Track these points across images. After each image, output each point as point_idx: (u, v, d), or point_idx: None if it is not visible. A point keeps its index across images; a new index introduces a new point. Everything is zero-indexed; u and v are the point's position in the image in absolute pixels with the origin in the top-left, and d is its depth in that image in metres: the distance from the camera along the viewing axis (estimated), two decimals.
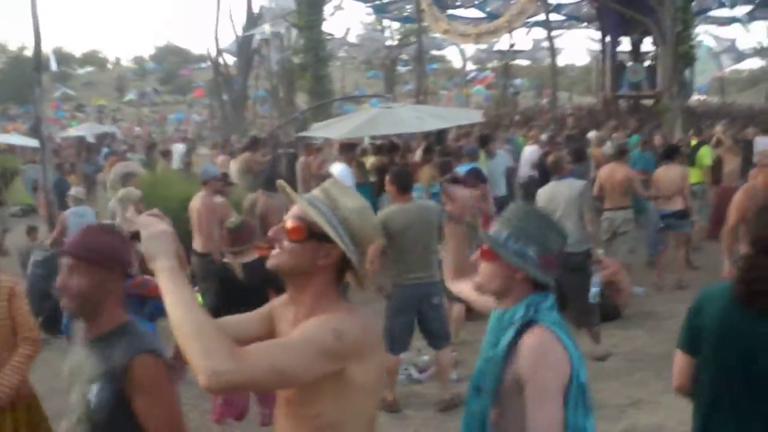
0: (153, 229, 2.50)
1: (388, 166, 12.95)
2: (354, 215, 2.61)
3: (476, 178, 10.09)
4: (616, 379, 8.07)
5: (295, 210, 2.67)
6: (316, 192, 2.67)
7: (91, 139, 34.54)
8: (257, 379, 2.26)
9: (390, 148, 14.82)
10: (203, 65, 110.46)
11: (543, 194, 9.02)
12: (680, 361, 3.66)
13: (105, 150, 28.77)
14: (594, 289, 9.22)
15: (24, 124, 64.68)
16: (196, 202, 9.44)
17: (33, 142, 31.30)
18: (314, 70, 30.72)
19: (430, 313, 7.54)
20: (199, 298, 9.93)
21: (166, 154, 19.49)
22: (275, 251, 2.67)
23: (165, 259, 2.41)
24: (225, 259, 6.86)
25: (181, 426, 3.16)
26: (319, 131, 16.66)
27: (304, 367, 2.37)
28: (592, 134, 20.48)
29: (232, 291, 6.62)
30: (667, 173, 11.51)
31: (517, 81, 63.64)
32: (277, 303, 2.90)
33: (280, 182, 2.79)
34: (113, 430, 3.08)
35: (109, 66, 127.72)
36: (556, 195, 8.78)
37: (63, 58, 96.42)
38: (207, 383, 2.15)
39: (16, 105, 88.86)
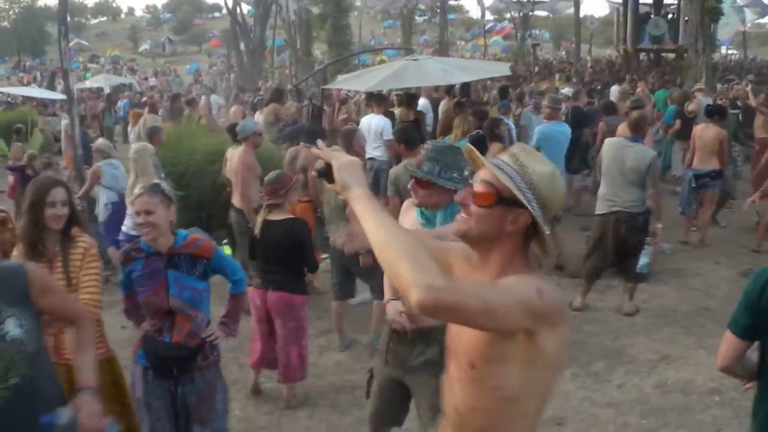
0: (343, 160, 2.49)
1: (415, 118, 12.96)
2: (543, 180, 2.52)
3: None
4: (645, 335, 8.12)
5: (483, 174, 2.57)
6: (504, 156, 2.60)
7: (107, 91, 34.49)
8: (466, 305, 2.20)
9: (409, 100, 14.71)
10: (217, 14, 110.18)
11: (607, 149, 8.78)
12: (731, 343, 3.57)
13: (124, 102, 28.78)
14: (644, 261, 9.27)
15: (37, 75, 64.91)
16: (235, 158, 9.36)
17: (52, 95, 31.46)
18: (334, 20, 30.54)
19: None
20: (227, 250, 10.02)
21: (191, 104, 19.44)
22: (461, 216, 2.60)
23: (358, 187, 2.41)
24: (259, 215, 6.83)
25: None
26: (344, 83, 16.53)
27: (510, 310, 2.32)
28: (614, 88, 20.38)
29: (252, 248, 6.73)
30: (705, 133, 11.42)
31: (536, 32, 63.13)
32: (455, 262, 2.81)
33: (467, 145, 2.71)
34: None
35: (123, 16, 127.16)
36: (622, 157, 8.53)
37: (76, 8, 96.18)
38: (422, 296, 2.09)
39: (29, 56, 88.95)
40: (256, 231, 6.61)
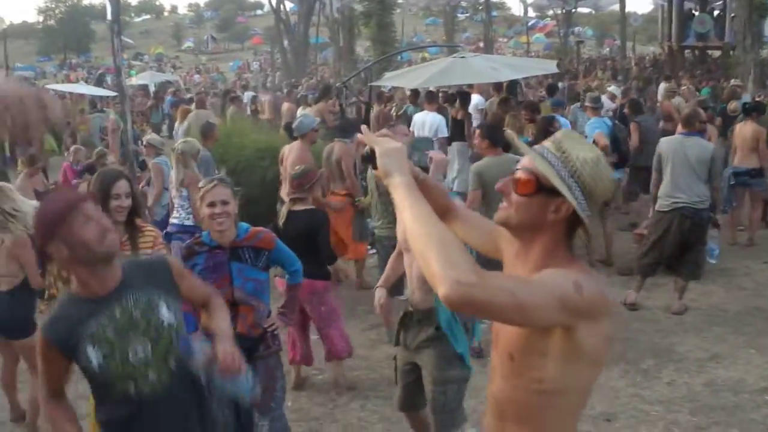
0: (387, 146, 2.46)
1: (466, 116, 12.98)
2: (587, 167, 2.44)
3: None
4: (695, 334, 8.09)
5: (524, 162, 2.52)
6: (546, 143, 2.53)
7: (152, 88, 34.88)
8: (495, 301, 2.14)
9: (459, 97, 14.73)
10: (259, 12, 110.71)
11: (666, 146, 8.75)
12: None
13: (169, 98, 29.08)
14: (716, 251, 9.24)
15: (84, 72, 65.66)
16: (292, 155, 9.44)
17: (100, 91, 31.89)
18: (378, 18, 30.50)
19: None
20: None
21: (235, 101, 19.61)
22: (504, 205, 2.55)
23: (400, 174, 2.36)
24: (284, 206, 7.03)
25: None
26: (391, 80, 16.57)
27: (542, 306, 2.24)
28: (661, 86, 20.21)
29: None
30: (743, 130, 11.35)
31: (578, 29, 62.73)
32: (506, 248, 2.77)
33: (510, 132, 2.71)
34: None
35: (166, 14, 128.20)
36: (683, 151, 8.53)
37: (120, 6, 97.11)
38: (449, 291, 2.05)
39: (75, 54, 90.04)
40: (280, 222, 6.78)
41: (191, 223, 8.66)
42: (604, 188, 2.48)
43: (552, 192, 2.43)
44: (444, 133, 12.03)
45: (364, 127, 2.78)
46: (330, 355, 6.91)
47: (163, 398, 3.26)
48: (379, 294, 5.26)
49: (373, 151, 2.50)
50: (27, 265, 6.09)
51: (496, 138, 7.64)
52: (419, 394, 5.11)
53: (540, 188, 2.45)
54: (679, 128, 9.00)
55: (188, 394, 3.39)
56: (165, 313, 3.31)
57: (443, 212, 2.87)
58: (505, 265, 2.75)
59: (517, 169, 2.52)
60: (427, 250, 2.13)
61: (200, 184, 4.90)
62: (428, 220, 2.22)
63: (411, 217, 2.24)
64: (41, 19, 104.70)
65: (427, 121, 12.30)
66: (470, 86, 15.83)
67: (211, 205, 4.68)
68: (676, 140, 8.75)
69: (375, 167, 2.49)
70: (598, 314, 2.40)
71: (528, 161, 2.51)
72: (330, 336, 6.81)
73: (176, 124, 19.22)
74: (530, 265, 2.52)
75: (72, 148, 14.12)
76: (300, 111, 15.32)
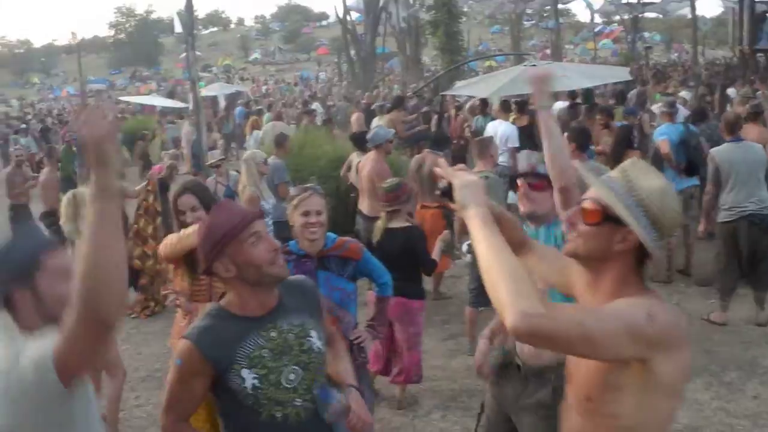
0: (464, 179, 2.49)
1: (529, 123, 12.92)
2: (654, 197, 2.41)
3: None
4: None
5: (591, 192, 2.52)
6: (613, 172, 2.54)
7: (222, 100, 35.34)
8: (562, 333, 2.15)
9: (521, 105, 14.66)
10: (324, 23, 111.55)
11: (723, 155, 8.56)
12: None
13: (239, 110, 29.43)
14: None
15: (153, 84, 66.79)
16: (367, 165, 9.50)
17: (171, 103, 32.49)
18: (446, 27, 30.48)
19: None
20: None
21: (310, 113, 19.81)
22: (572, 235, 2.55)
23: (476, 206, 2.41)
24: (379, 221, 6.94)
25: None
26: (462, 89, 16.56)
27: (611, 339, 2.22)
28: (731, 91, 19.86)
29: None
30: None
31: (646, 35, 61.92)
32: (578, 281, 2.73)
33: (577, 164, 2.73)
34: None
35: (232, 26, 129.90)
36: (742, 158, 8.40)
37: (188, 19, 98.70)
38: (516, 322, 2.07)
39: (145, 67, 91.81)
40: (376, 238, 6.71)
41: None
42: (672, 218, 2.46)
43: (618, 222, 2.41)
44: (515, 143, 12.00)
45: (441, 160, 2.83)
46: (401, 377, 6.81)
47: (305, 425, 3.16)
48: (481, 347, 4.64)
49: (450, 185, 2.54)
50: None
51: (583, 143, 7.57)
52: None
53: (606, 218, 2.44)
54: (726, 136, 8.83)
55: (324, 423, 3.25)
56: (315, 339, 3.25)
57: (517, 246, 2.87)
58: (577, 298, 2.74)
59: (584, 199, 2.53)
60: (498, 282, 2.19)
61: (293, 192, 4.92)
62: (501, 253, 2.26)
63: (485, 249, 2.30)
64: (112, 33, 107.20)
65: (499, 131, 12.30)
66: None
67: (306, 214, 4.68)
68: (731, 148, 8.59)
69: (451, 200, 2.53)
70: (673, 345, 2.36)
71: (594, 191, 2.51)
72: (409, 358, 6.73)
73: (247, 135, 19.53)
74: (601, 296, 2.51)
75: (170, 152, 14.30)
76: (376, 121, 15.38)
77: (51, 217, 11.00)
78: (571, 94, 15.37)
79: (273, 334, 3.13)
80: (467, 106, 17.66)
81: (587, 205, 2.49)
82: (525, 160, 4.53)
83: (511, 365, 4.35)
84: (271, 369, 3.08)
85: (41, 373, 2.48)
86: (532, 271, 2.92)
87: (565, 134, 7.93)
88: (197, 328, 3.15)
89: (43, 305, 2.70)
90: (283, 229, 9.35)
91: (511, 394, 4.32)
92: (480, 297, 7.71)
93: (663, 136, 10.13)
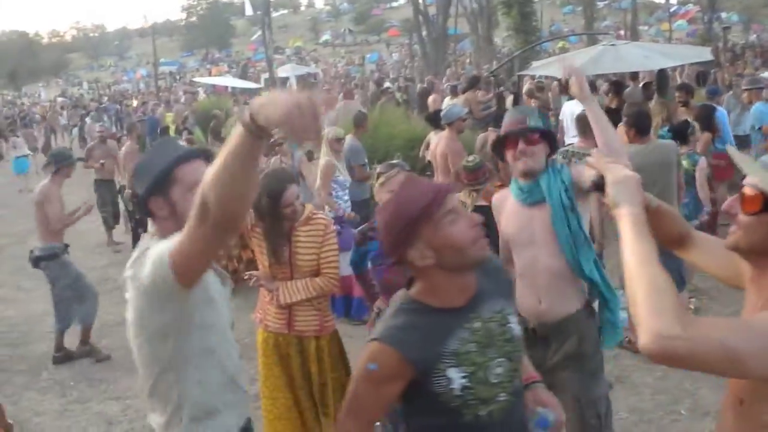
0: (619, 174, 2.32)
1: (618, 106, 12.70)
2: None
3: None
4: None
5: (749, 178, 2.28)
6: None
7: (293, 81, 35.51)
8: (702, 353, 1.94)
9: (616, 85, 14.42)
10: (395, 4, 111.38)
11: None
12: None
13: None
14: None
15: (225, 66, 67.45)
16: (441, 144, 9.49)
17: (245, 84, 32.80)
18: (520, 7, 30.11)
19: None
20: None
21: (385, 93, 19.78)
22: (732, 228, 2.34)
23: (629, 205, 2.24)
24: (461, 198, 6.87)
25: None
26: (539, 70, 16.39)
27: (759, 359, 1.98)
28: None
29: None
30: None
31: (723, 14, 60.50)
32: (745, 274, 2.47)
33: (730, 149, 2.45)
34: None
35: (303, 8, 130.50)
36: None
37: (259, 1, 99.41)
38: (648, 343, 1.93)
39: (216, 49, 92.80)
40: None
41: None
42: None
43: None
44: None
45: (595, 150, 2.67)
46: None
47: (506, 421, 2.77)
48: None
49: (602, 178, 2.41)
50: None
51: (642, 125, 7.36)
52: None
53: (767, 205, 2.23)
54: None
55: (522, 416, 2.92)
56: (514, 325, 2.84)
57: (679, 240, 2.74)
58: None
59: (742, 185, 2.32)
60: (637, 294, 2.04)
61: (380, 169, 4.91)
62: (645, 263, 2.10)
63: (630, 254, 2.15)
64: (184, 16, 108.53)
65: (576, 111, 12.10)
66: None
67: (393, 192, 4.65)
68: None
69: (603, 194, 2.39)
70: None
71: (753, 177, 2.28)
72: None
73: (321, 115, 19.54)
74: (766, 293, 2.29)
75: None
76: (447, 101, 15.33)
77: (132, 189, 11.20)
78: (634, 76, 15.03)
79: (477, 324, 2.72)
80: (553, 85, 17.47)
81: (746, 191, 2.27)
82: (511, 115, 4.41)
83: (527, 332, 4.06)
84: (478, 365, 2.68)
85: (157, 269, 2.61)
86: (695, 266, 2.78)
87: (623, 119, 7.79)
88: (393, 328, 2.70)
89: (176, 215, 2.84)
90: (362, 209, 9.45)
91: (537, 358, 4.02)
92: None
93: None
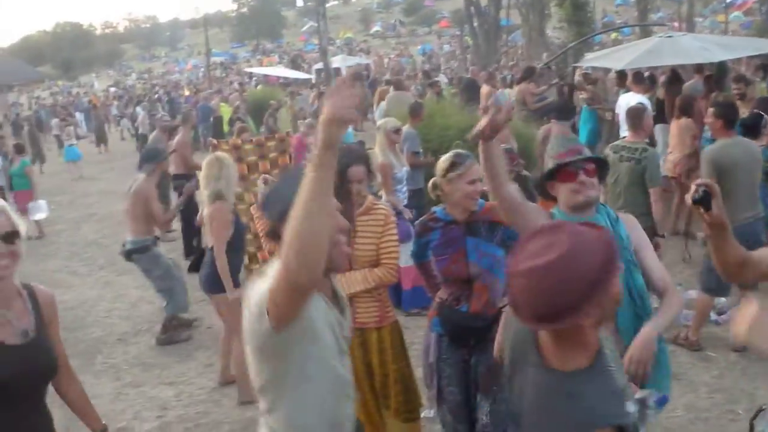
0: None
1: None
2: None
3: None
4: None
5: None
6: None
7: (344, 72, 35.60)
8: None
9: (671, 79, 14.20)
10: None
11: None
12: None
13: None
14: None
15: (276, 57, 67.82)
16: None
17: (296, 74, 33.01)
18: None
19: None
20: None
21: (434, 85, 19.70)
22: None
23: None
24: None
25: None
26: (594, 61, 16.23)
27: None
28: None
29: None
30: None
31: None
32: None
33: None
34: None
35: (354, 0, 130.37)
36: None
37: None
38: None
39: (267, 40, 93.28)
40: None
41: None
42: None
43: None
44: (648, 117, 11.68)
45: (711, 182, 2.61)
46: None
47: None
48: None
49: (707, 193, 2.41)
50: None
51: (732, 117, 7.20)
52: None
53: None
54: None
55: None
56: None
57: (740, 263, 2.75)
58: None
59: None
60: None
61: (453, 159, 4.77)
62: None
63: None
64: (235, 7, 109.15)
65: (631, 104, 11.95)
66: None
67: (473, 182, 4.62)
68: None
69: (707, 210, 2.40)
70: None
71: None
72: None
73: (374, 106, 19.60)
74: None
75: (306, 121, 14.54)
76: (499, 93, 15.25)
77: (182, 179, 11.23)
78: (698, 69, 14.75)
79: None
80: (608, 76, 17.25)
81: None
82: (562, 144, 4.13)
83: None
84: None
85: (260, 309, 2.74)
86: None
87: (711, 109, 7.59)
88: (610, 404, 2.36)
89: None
90: (415, 198, 9.41)
91: None
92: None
93: None
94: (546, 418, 2.36)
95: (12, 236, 3.15)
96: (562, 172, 3.96)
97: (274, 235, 2.96)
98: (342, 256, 2.98)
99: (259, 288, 2.77)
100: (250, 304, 2.82)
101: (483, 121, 3.65)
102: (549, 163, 3.98)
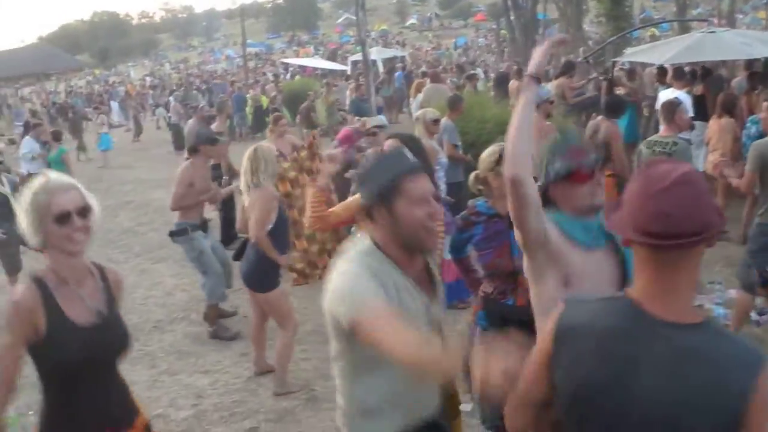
0: None
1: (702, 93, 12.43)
2: None
3: None
4: None
5: None
6: None
7: (380, 64, 35.60)
8: None
9: (704, 74, 14.06)
10: None
11: None
12: None
13: (398, 74, 29.61)
14: None
15: (311, 48, 67.93)
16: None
17: (333, 65, 33.09)
18: None
19: None
20: None
21: (471, 79, 19.65)
22: None
23: None
24: None
25: None
26: (634, 56, 16.08)
27: None
28: None
29: None
30: None
31: None
32: None
33: None
34: None
35: None
36: None
37: None
38: None
39: (303, 31, 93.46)
40: None
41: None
42: None
43: None
44: (688, 112, 11.57)
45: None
46: None
47: None
48: None
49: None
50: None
51: None
52: None
53: None
54: None
55: None
56: None
57: None
58: None
59: None
60: None
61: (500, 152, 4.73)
62: None
63: None
64: None
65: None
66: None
67: None
68: None
69: None
70: None
71: None
72: None
73: (411, 99, 19.59)
74: None
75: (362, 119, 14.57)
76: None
77: (218, 169, 11.26)
78: (747, 66, 14.56)
79: None
80: (646, 71, 17.11)
81: None
82: (569, 145, 3.70)
83: None
84: None
85: (340, 318, 2.88)
86: None
87: (765, 104, 7.50)
88: None
89: (398, 226, 2.93)
90: (454, 191, 9.33)
91: None
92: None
93: None
94: (681, 380, 2.12)
95: (85, 211, 3.23)
96: (577, 173, 3.59)
97: (369, 215, 3.03)
98: (433, 237, 3.02)
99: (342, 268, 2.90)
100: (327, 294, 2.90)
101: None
102: (555, 163, 3.69)
